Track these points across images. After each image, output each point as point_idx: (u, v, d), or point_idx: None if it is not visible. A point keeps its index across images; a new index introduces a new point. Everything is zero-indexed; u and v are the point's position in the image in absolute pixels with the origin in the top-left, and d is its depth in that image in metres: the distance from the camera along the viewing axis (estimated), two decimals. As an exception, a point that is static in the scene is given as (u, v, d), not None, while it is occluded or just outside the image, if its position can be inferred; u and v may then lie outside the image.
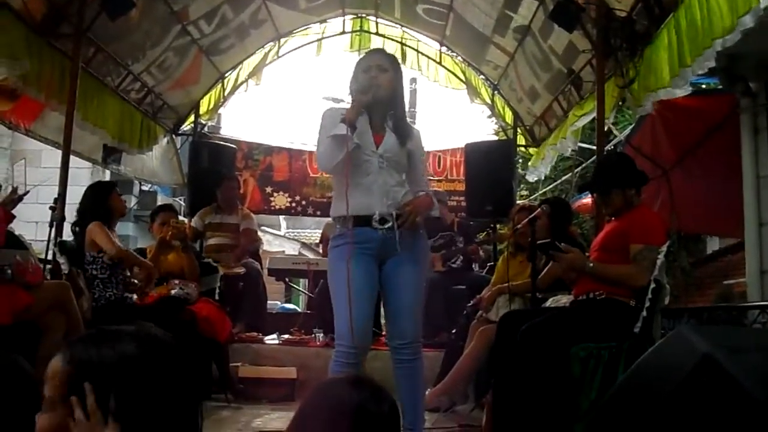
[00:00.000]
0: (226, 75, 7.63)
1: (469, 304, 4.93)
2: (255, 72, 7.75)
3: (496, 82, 7.59)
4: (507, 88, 7.46)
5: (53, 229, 4.63)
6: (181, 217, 6.11)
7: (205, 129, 8.29)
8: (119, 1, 4.81)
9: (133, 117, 6.44)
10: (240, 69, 7.68)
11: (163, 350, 1.19)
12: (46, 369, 1.18)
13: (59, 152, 5.14)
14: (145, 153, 6.86)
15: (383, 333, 4.73)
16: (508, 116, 7.82)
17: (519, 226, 4.21)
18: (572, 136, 6.15)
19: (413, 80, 16.18)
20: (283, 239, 17.39)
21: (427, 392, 4.13)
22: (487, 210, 7.08)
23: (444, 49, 7.78)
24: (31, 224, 7.62)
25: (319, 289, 6.46)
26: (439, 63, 7.89)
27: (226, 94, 7.76)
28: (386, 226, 2.86)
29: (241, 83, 7.75)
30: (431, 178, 8.20)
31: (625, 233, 3.30)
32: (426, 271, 3.09)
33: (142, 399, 1.12)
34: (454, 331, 5.12)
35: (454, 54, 7.78)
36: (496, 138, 9.31)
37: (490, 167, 7.04)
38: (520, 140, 7.77)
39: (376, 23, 7.76)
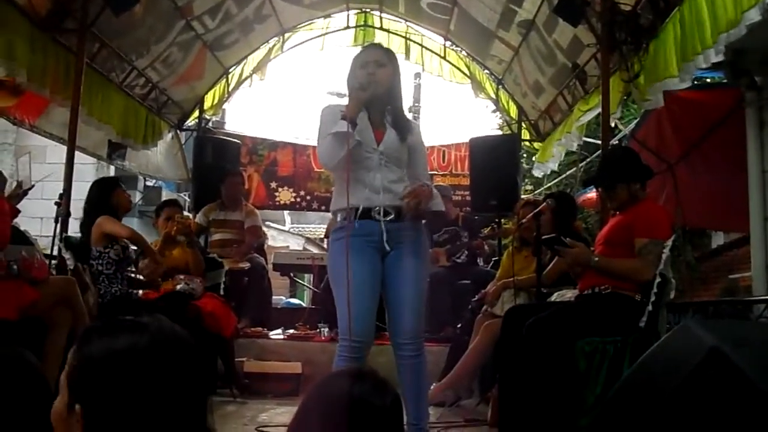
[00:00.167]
0: (231, 70, 7.65)
1: (474, 299, 4.91)
2: (259, 67, 7.76)
3: (500, 77, 7.59)
4: (511, 82, 7.45)
5: (58, 225, 4.65)
6: (185, 213, 6.13)
7: (210, 124, 8.32)
8: (123, -3, 4.82)
9: (138, 112, 6.44)
10: (244, 64, 7.70)
11: (175, 343, 1.18)
12: (52, 363, 1.18)
13: (64, 148, 5.15)
14: (149, 148, 6.87)
15: (387, 327, 4.73)
16: (513, 111, 7.83)
17: (524, 220, 4.19)
18: (577, 131, 6.14)
19: (417, 75, 16.19)
20: (288, 234, 17.35)
21: (432, 387, 4.14)
22: (492, 204, 7.09)
23: (448, 43, 7.77)
24: (36, 220, 7.66)
25: (323, 284, 6.46)
26: (444, 57, 7.88)
27: (230, 89, 7.78)
28: (388, 218, 2.83)
29: (246, 78, 7.77)
30: (436, 173, 8.21)
31: (630, 227, 3.29)
32: (428, 265, 3.05)
33: (150, 391, 1.12)
34: (459, 325, 5.14)
35: (459, 48, 7.78)
36: (500, 133, 9.29)
37: (495, 162, 7.05)
38: (525, 135, 7.78)
39: (380, 18, 7.76)
